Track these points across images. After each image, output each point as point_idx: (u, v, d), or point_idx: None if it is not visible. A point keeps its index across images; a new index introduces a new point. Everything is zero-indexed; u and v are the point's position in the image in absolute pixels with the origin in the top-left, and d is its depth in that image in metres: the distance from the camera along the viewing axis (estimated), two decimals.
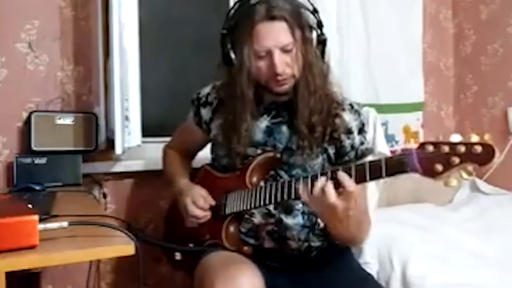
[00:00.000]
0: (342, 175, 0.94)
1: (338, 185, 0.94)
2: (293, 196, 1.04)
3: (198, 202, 1.19)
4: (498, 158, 0.77)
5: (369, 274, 1.22)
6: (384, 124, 2.17)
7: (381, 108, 2.05)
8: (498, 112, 2.26)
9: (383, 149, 1.66)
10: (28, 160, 1.49)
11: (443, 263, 1.50)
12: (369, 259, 1.56)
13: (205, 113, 1.30)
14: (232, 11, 1.16)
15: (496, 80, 2.27)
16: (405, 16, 2.25)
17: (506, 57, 2.23)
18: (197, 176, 1.34)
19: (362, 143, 1.19)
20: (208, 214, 1.20)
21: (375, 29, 2.14)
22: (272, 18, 1.08)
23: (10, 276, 0.71)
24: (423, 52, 2.35)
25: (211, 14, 2.04)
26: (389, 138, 2.17)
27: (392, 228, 1.69)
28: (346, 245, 1.20)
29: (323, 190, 0.94)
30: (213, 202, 1.21)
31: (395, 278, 1.50)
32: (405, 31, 2.25)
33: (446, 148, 0.81)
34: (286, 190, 1.05)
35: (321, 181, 0.96)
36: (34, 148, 1.51)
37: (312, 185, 0.97)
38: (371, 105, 1.89)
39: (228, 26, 1.15)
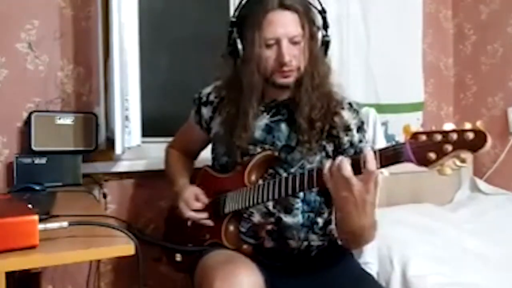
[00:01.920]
0: (368, 152, 0.92)
1: (358, 168, 0.93)
2: (290, 192, 1.05)
3: (190, 204, 1.22)
4: (490, 144, 0.77)
5: (369, 274, 1.22)
6: (384, 124, 2.17)
7: (381, 108, 2.05)
8: (498, 112, 2.26)
9: None
10: (28, 160, 1.49)
11: (443, 263, 1.51)
12: (369, 259, 1.56)
13: (206, 112, 1.31)
14: (244, 0, 1.16)
15: (496, 80, 2.27)
16: (405, 16, 2.25)
17: (506, 57, 2.23)
18: (197, 177, 1.35)
19: (361, 141, 1.19)
20: (203, 215, 1.21)
21: (375, 29, 2.14)
22: (284, 7, 1.10)
23: (10, 276, 0.71)
24: (423, 52, 2.35)
25: (212, 13, 2.05)
26: (389, 138, 2.17)
27: (392, 228, 1.69)
28: (351, 243, 1.19)
29: (339, 166, 0.93)
30: (206, 201, 1.22)
31: (395, 278, 1.50)
32: (405, 31, 2.25)
33: (438, 137, 0.81)
34: (284, 186, 1.05)
35: (339, 158, 0.95)
36: (34, 148, 1.51)
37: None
38: (371, 105, 1.89)
39: (238, 13, 1.16)
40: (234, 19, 1.16)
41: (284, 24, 1.10)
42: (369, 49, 2.14)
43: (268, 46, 1.11)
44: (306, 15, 1.12)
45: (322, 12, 1.16)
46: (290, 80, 1.14)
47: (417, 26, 2.31)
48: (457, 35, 2.49)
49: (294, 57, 1.12)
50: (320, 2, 1.17)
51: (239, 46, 1.14)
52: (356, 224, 1.02)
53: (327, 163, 0.97)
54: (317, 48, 1.15)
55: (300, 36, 1.11)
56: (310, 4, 1.15)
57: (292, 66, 1.12)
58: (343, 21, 2.06)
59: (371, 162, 0.91)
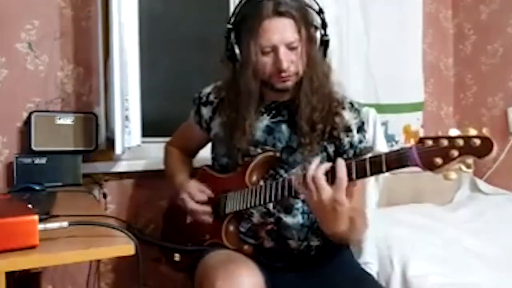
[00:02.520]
0: (340, 162, 0.94)
1: (332, 178, 0.95)
2: (292, 193, 1.05)
3: (195, 196, 1.21)
4: (496, 151, 0.78)
5: (369, 274, 1.22)
6: (384, 124, 2.17)
7: (381, 108, 2.05)
8: (498, 112, 2.26)
9: (383, 149, 1.66)
10: (28, 160, 1.49)
11: (443, 263, 1.50)
12: (369, 259, 1.55)
13: (206, 112, 1.31)
14: (239, 6, 1.16)
15: (496, 80, 2.27)
16: (405, 16, 2.25)
17: (506, 57, 2.23)
18: (196, 177, 1.34)
19: (361, 142, 1.20)
20: (207, 209, 1.21)
21: (375, 29, 2.14)
22: (279, 14, 1.09)
23: (10, 276, 0.71)
24: (423, 52, 2.35)
25: (212, 12, 2.05)
26: (389, 138, 2.17)
27: (392, 228, 1.69)
28: (339, 242, 1.20)
29: (313, 176, 0.95)
30: (211, 194, 1.22)
31: (395, 278, 1.50)
32: (405, 31, 2.25)
33: (445, 142, 0.82)
34: (286, 188, 1.05)
35: (312, 166, 0.97)
36: (34, 148, 1.51)
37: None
38: (371, 105, 1.89)
39: (234, 20, 1.16)
40: (230, 26, 1.16)
41: (280, 31, 1.09)
42: (369, 49, 2.14)
43: (265, 53, 1.11)
44: (302, 19, 1.11)
45: (320, 12, 1.16)
46: (289, 84, 1.14)
47: (417, 26, 2.30)
48: (457, 35, 2.49)
49: (292, 63, 1.12)
50: (317, 2, 1.17)
51: (237, 51, 1.14)
52: (333, 230, 1.03)
53: (297, 177, 0.99)
54: (316, 50, 1.15)
55: (297, 41, 1.10)
56: (307, 5, 1.14)
57: (290, 72, 1.12)
58: (343, 21, 2.06)
59: (341, 171, 0.93)
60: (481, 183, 2.19)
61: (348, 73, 2.05)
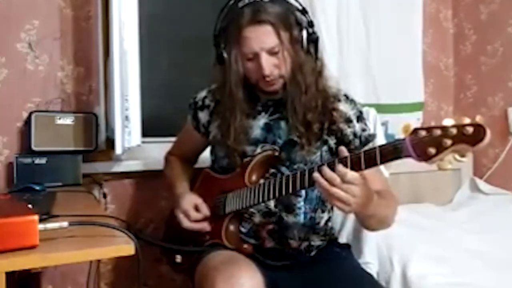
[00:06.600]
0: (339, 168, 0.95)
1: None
2: (290, 191, 1.05)
3: (190, 215, 1.20)
4: (489, 138, 0.78)
5: (369, 274, 1.22)
6: (384, 124, 2.16)
7: (381, 108, 2.05)
8: (498, 112, 2.26)
9: None
10: (28, 160, 1.49)
11: (443, 263, 1.50)
12: (369, 259, 1.55)
13: (203, 116, 1.31)
14: (222, 14, 1.18)
15: (496, 80, 2.27)
16: (405, 16, 2.24)
17: (506, 57, 2.23)
18: (198, 179, 1.35)
19: (364, 130, 1.20)
20: (204, 225, 1.20)
21: (375, 29, 2.14)
22: (258, 22, 1.10)
23: (10, 276, 0.71)
24: (423, 52, 2.35)
25: (212, 12, 2.04)
26: (389, 138, 2.17)
27: (392, 228, 1.68)
28: (375, 224, 1.20)
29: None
30: (207, 213, 1.21)
31: (395, 278, 1.50)
32: (405, 31, 2.25)
33: (438, 132, 0.82)
34: (284, 185, 1.05)
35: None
36: (34, 148, 1.51)
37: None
38: (371, 105, 1.89)
39: (218, 28, 1.18)
40: (216, 33, 1.18)
41: (259, 39, 1.10)
42: (369, 49, 2.14)
43: (249, 59, 1.13)
44: (282, 23, 1.11)
45: (303, 12, 1.16)
46: (276, 87, 1.16)
47: (417, 26, 2.30)
48: (457, 35, 2.49)
49: (275, 67, 1.13)
50: (299, 2, 1.17)
51: (225, 56, 1.16)
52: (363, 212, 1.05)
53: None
54: (300, 50, 1.14)
55: (278, 46, 1.11)
56: (288, 7, 1.14)
57: (274, 76, 1.13)
58: (343, 21, 2.06)
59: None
60: (481, 183, 2.19)
61: (348, 73, 2.05)
